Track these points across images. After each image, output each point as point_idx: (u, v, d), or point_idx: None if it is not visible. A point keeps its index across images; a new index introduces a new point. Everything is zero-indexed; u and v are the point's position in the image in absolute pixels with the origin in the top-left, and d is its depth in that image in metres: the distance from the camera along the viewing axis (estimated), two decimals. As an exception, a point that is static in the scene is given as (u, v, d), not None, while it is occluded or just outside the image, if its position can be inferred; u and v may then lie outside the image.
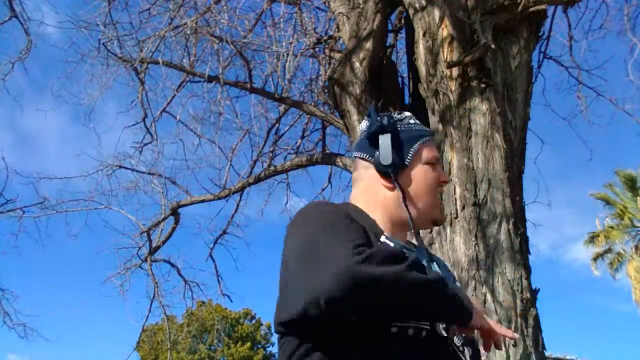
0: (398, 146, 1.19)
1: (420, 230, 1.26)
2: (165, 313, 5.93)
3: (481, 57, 2.90)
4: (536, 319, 2.65)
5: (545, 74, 4.57)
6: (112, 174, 5.80)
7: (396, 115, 1.24)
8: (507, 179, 2.80)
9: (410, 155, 1.19)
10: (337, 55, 4.01)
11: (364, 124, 1.24)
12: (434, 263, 1.17)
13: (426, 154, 1.20)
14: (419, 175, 1.18)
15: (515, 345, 2.52)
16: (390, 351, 0.96)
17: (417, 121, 1.27)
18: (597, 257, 17.44)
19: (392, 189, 1.17)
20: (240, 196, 5.51)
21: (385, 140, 1.17)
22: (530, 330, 2.59)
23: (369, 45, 3.51)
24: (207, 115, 5.35)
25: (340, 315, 0.91)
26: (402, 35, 4.27)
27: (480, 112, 2.89)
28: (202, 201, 5.35)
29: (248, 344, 25.24)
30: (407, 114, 1.27)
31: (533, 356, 2.54)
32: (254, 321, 26.68)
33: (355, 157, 1.23)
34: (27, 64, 5.39)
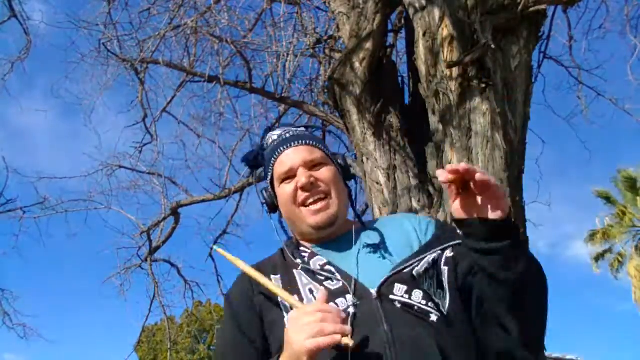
0: (265, 173, 1.29)
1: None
2: (165, 313, 5.93)
3: (481, 57, 2.90)
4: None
5: (545, 74, 4.58)
6: (112, 174, 5.81)
7: (268, 135, 1.31)
8: (507, 179, 2.80)
9: (269, 177, 1.27)
10: (337, 55, 4.01)
11: None
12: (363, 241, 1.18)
13: (277, 172, 1.24)
14: (280, 196, 1.24)
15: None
16: None
17: (277, 133, 1.28)
18: (598, 257, 17.44)
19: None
20: (240, 196, 5.52)
21: (257, 192, 1.30)
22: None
23: (369, 45, 3.51)
24: (207, 115, 5.37)
25: None
26: (402, 35, 4.27)
27: (480, 112, 2.89)
28: (202, 201, 5.36)
29: (248, 344, 25.22)
30: (273, 133, 1.31)
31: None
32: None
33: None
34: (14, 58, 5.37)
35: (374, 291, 1.04)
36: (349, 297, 1.05)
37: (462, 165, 0.94)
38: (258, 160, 1.32)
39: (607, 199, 17.46)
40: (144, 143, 5.62)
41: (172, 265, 6.09)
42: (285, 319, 1.07)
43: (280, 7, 4.59)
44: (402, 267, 1.09)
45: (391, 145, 3.43)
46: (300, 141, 1.24)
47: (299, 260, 1.16)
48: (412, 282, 1.06)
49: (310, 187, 1.18)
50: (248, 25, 4.76)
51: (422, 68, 3.12)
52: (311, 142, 1.24)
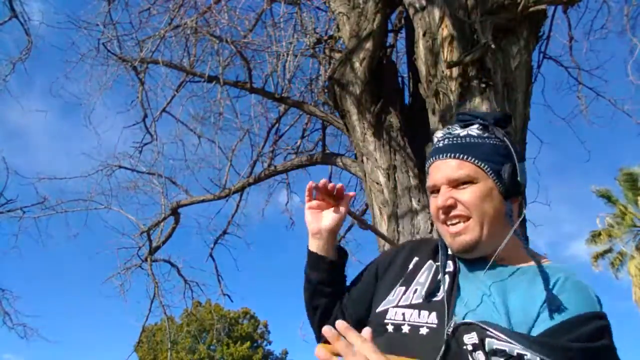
0: None
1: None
2: (165, 313, 5.93)
3: (481, 57, 2.90)
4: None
5: (545, 74, 4.58)
6: (111, 174, 5.81)
7: (435, 133, 1.25)
8: (507, 178, 2.80)
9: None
10: (337, 55, 4.01)
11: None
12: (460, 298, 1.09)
13: (428, 182, 1.19)
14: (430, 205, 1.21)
15: None
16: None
17: (438, 136, 1.20)
18: (597, 257, 17.45)
19: None
20: (240, 196, 5.51)
21: None
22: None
23: (369, 45, 3.51)
24: (207, 115, 5.36)
25: None
26: (402, 35, 4.27)
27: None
28: (202, 201, 5.36)
29: (247, 344, 25.25)
30: (437, 133, 1.22)
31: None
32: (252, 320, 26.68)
33: None
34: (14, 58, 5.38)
35: (452, 323, 1.03)
36: (433, 315, 1.07)
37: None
38: None
39: (608, 198, 17.47)
40: (144, 143, 5.62)
41: (172, 265, 6.10)
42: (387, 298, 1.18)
43: (280, 7, 4.60)
44: (492, 329, 0.97)
45: (391, 145, 3.43)
46: (450, 154, 1.13)
47: (443, 256, 1.17)
48: (482, 344, 0.98)
49: (447, 210, 1.11)
50: (248, 25, 4.76)
51: (422, 68, 3.12)
52: (463, 156, 1.12)
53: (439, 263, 1.18)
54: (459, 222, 1.11)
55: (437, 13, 3.05)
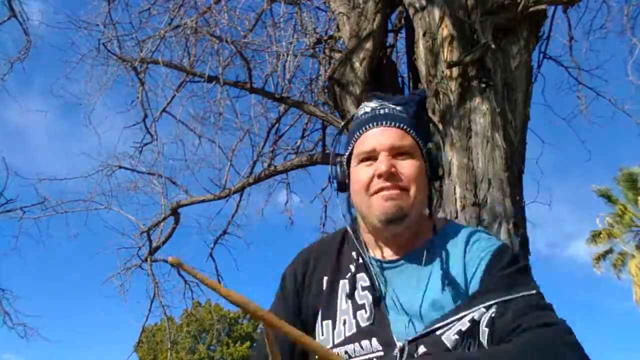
0: (346, 146, 1.15)
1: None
2: (165, 313, 5.93)
3: (481, 57, 2.90)
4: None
5: (545, 74, 4.58)
6: (111, 174, 5.81)
7: (363, 105, 1.17)
8: (507, 179, 2.80)
9: (348, 151, 1.13)
10: (337, 55, 4.01)
11: None
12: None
13: (358, 148, 1.10)
14: (353, 176, 1.10)
15: None
16: None
17: (372, 106, 1.13)
18: (599, 258, 17.44)
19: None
20: (240, 196, 5.51)
21: (330, 164, 1.16)
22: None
23: (369, 45, 3.51)
24: (207, 115, 5.36)
25: None
26: (402, 35, 4.27)
27: (481, 112, 2.90)
28: (202, 201, 5.35)
29: (247, 344, 25.24)
30: (368, 103, 1.15)
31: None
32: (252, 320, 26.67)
33: None
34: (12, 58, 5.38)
35: (399, 344, 0.97)
36: (375, 342, 1.00)
37: None
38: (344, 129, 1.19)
39: (608, 197, 17.46)
40: (144, 143, 5.62)
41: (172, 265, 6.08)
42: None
43: (280, 7, 4.60)
44: (436, 326, 0.97)
45: (391, 145, 3.42)
46: (393, 122, 1.08)
47: (352, 267, 1.09)
48: (440, 349, 0.95)
49: (388, 176, 1.04)
50: (248, 25, 4.76)
51: (422, 68, 3.12)
52: (405, 127, 1.08)
53: (347, 279, 1.09)
54: (393, 188, 1.04)
55: (437, 13, 3.05)
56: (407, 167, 1.06)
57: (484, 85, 2.92)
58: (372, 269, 1.08)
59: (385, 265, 1.09)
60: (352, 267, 1.10)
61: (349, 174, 1.13)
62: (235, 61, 4.82)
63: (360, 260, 1.10)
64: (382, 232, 1.09)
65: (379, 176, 1.04)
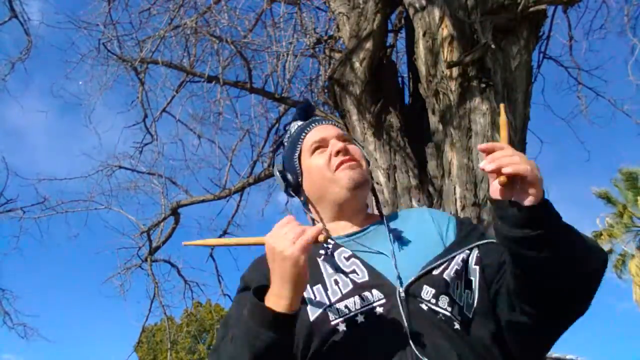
0: (288, 165, 1.27)
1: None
2: (165, 313, 5.93)
3: (481, 57, 2.90)
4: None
5: (545, 74, 4.59)
6: (112, 174, 5.81)
7: (289, 129, 1.32)
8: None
9: (295, 162, 1.25)
10: (337, 55, 4.01)
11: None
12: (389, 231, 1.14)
13: (307, 143, 1.24)
14: (310, 166, 1.22)
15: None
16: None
17: (304, 120, 1.30)
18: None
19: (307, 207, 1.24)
20: (240, 196, 5.52)
21: (276, 174, 1.28)
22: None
23: (369, 45, 3.51)
24: (207, 115, 5.37)
25: None
26: (402, 35, 4.27)
27: (481, 112, 2.90)
28: (202, 201, 5.35)
29: (248, 344, 25.22)
30: (297, 121, 1.32)
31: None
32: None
33: None
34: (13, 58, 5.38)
35: (401, 289, 1.00)
36: (375, 292, 1.01)
37: (484, 147, 0.93)
38: (279, 150, 1.33)
39: (608, 199, 17.46)
40: (144, 143, 5.62)
41: (172, 265, 6.09)
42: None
43: (280, 7, 4.60)
44: (432, 266, 1.04)
45: (391, 145, 3.42)
46: (329, 122, 1.28)
47: (322, 251, 1.10)
48: (441, 286, 1.02)
49: (346, 151, 1.19)
50: (248, 25, 4.76)
51: (422, 68, 3.12)
52: (339, 126, 1.28)
53: (323, 257, 1.10)
54: (352, 161, 1.19)
55: (437, 13, 3.05)
56: (355, 149, 1.23)
57: (484, 85, 2.92)
58: (337, 242, 1.14)
59: (355, 235, 1.17)
60: (322, 252, 1.11)
61: (301, 172, 1.24)
62: (235, 61, 4.82)
63: (329, 245, 1.12)
64: (349, 202, 1.18)
65: (337, 153, 1.18)
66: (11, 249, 6.15)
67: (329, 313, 1.00)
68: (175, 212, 5.58)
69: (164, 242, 5.83)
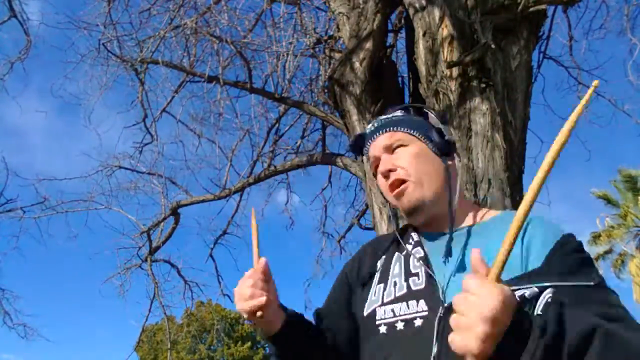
0: None
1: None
2: (165, 313, 5.93)
3: (481, 57, 2.90)
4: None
5: (545, 74, 4.59)
6: (111, 174, 5.81)
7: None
8: (507, 179, 2.80)
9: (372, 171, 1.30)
10: (337, 55, 4.01)
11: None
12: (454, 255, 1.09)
13: (371, 161, 1.28)
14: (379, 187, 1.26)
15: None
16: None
17: (376, 120, 1.30)
18: (598, 258, 17.45)
19: None
20: (240, 196, 5.51)
21: None
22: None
23: (369, 45, 3.51)
24: (207, 115, 5.37)
25: None
26: (402, 35, 4.27)
27: (481, 112, 2.90)
28: (202, 201, 5.35)
29: (248, 344, 25.24)
30: (368, 125, 1.32)
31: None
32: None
33: None
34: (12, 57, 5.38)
35: (445, 304, 0.99)
36: (422, 302, 1.03)
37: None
38: (359, 146, 1.33)
39: (607, 200, 17.48)
40: (144, 143, 5.62)
41: (172, 265, 6.10)
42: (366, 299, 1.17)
43: (280, 7, 4.59)
44: None
45: (391, 145, 3.42)
46: (380, 131, 1.24)
47: (409, 245, 1.18)
48: None
49: (387, 173, 1.19)
50: (248, 26, 4.76)
51: (422, 68, 3.12)
52: (391, 128, 1.23)
53: (405, 252, 1.17)
54: (395, 186, 1.18)
55: (437, 13, 3.05)
56: (401, 154, 1.20)
57: (484, 85, 2.91)
58: (421, 238, 1.19)
59: (433, 236, 1.18)
60: (410, 244, 1.19)
61: None
62: (235, 61, 4.82)
63: (417, 238, 1.19)
64: (412, 222, 1.23)
65: (384, 177, 1.20)
66: (11, 249, 6.15)
67: (377, 312, 1.10)
68: (175, 212, 5.58)
69: (164, 242, 5.84)
